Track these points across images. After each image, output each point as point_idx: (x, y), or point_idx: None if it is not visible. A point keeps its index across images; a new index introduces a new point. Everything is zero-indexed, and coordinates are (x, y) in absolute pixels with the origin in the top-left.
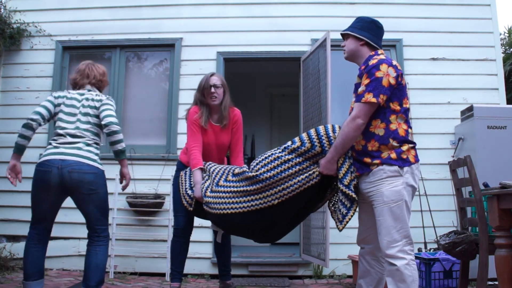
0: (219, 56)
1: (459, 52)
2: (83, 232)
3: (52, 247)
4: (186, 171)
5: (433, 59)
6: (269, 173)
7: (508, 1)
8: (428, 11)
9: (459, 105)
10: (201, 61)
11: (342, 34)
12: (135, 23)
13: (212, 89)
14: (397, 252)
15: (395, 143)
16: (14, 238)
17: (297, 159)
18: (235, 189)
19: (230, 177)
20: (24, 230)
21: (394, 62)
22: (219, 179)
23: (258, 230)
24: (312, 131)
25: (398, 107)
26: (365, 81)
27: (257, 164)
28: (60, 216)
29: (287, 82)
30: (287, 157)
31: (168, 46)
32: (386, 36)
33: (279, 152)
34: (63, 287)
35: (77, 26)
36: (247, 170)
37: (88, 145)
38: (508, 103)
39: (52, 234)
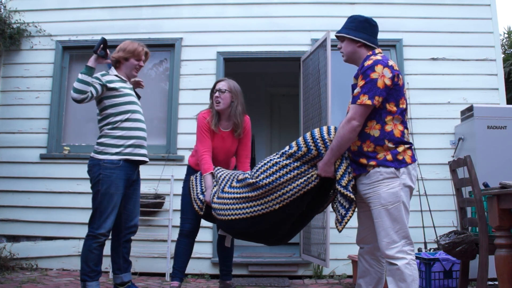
0: (219, 56)
1: (459, 52)
2: (83, 232)
3: (52, 247)
4: (196, 176)
5: (433, 59)
6: (268, 179)
7: (508, 1)
8: (428, 11)
9: (459, 105)
10: (201, 61)
11: (337, 36)
12: (135, 23)
13: (217, 93)
14: (396, 253)
15: (390, 144)
16: (14, 238)
17: (295, 164)
18: (238, 195)
19: (234, 183)
20: (24, 230)
21: (391, 63)
22: (225, 185)
23: (262, 234)
24: (308, 135)
25: (394, 108)
26: (361, 82)
27: (257, 170)
28: (60, 216)
29: (287, 82)
30: (285, 162)
31: (168, 46)
32: (386, 36)
33: (277, 158)
34: (63, 287)
35: (77, 26)
36: (249, 176)
37: (98, 137)
38: (508, 103)
39: (52, 234)
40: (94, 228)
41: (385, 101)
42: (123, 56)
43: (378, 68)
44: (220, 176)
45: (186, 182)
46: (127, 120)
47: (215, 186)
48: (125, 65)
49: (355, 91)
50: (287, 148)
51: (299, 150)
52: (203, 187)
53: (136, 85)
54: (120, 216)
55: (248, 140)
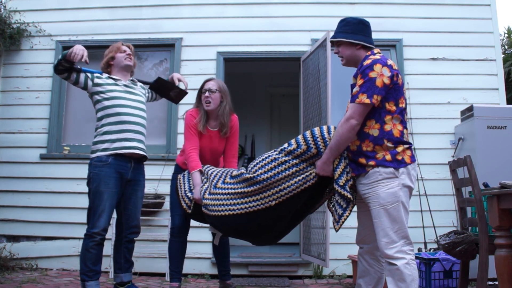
0: (219, 56)
1: (459, 52)
2: (83, 232)
3: (52, 247)
4: (184, 174)
5: (433, 59)
6: (266, 175)
7: (508, 1)
8: (428, 11)
9: (459, 105)
10: (201, 61)
11: (332, 41)
12: (135, 23)
13: (207, 93)
14: (395, 253)
15: (389, 144)
16: (14, 238)
17: (294, 161)
18: (233, 191)
19: (228, 179)
20: (24, 230)
21: (389, 62)
22: (217, 182)
23: (256, 232)
24: (308, 133)
25: (394, 107)
26: (359, 81)
27: (254, 166)
28: (60, 216)
29: (287, 82)
30: (284, 158)
31: (168, 46)
32: (386, 36)
33: (276, 154)
34: (63, 287)
35: (77, 26)
36: (245, 172)
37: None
38: (508, 103)
39: (52, 234)
40: (89, 227)
41: (385, 100)
42: (110, 57)
43: (377, 67)
44: (211, 173)
45: (174, 180)
46: (110, 115)
47: (205, 183)
48: (115, 64)
49: (354, 90)
50: (286, 145)
51: (298, 147)
52: (191, 185)
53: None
54: (122, 216)
55: (236, 140)
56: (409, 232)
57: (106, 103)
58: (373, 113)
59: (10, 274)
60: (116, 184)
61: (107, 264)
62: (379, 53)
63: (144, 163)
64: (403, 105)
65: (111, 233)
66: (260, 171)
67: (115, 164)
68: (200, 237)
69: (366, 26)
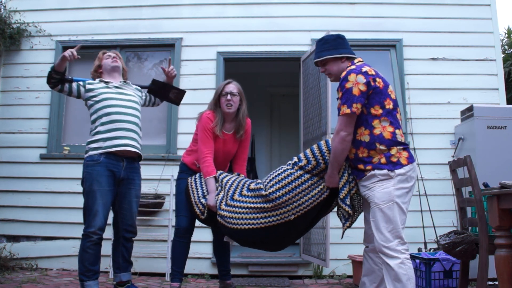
0: (219, 56)
1: (459, 52)
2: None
3: (52, 247)
4: (195, 178)
5: (433, 59)
6: (282, 190)
7: (508, 1)
8: (428, 11)
9: (459, 105)
10: (201, 61)
11: (317, 62)
12: (135, 23)
13: (228, 97)
14: (389, 252)
15: (382, 147)
16: (14, 238)
17: (307, 175)
18: (252, 205)
19: (245, 192)
20: (24, 230)
21: (365, 69)
22: (233, 193)
23: (271, 242)
24: (315, 148)
25: (380, 111)
26: (339, 94)
27: (270, 181)
28: (60, 216)
29: (287, 82)
30: (298, 172)
31: (168, 46)
32: (386, 36)
33: (290, 169)
34: (63, 287)
35: (77, 26)
36: (262, 187)
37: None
38: (508, 103)
39: (52, 234)
40: (85, 227)
41: (369, 105)
42: (97, 65)
43: (351, 77)
44: (227, 182)
45: (181, 180)
46: (101, 116)
47: (220, 191)
48: (104, 69)
49: (337, 103)
50: (296, 159)
51: (308, 163)
52: (204, 191)
53: (169, 79)
54: (117, 215)
55: (248, 143)
56: (403, 233)
57: (97, 105)
58: (361, 120)
59: (10, 274)
60: (109, 182)
61: (107, 264)
62: (360, 61)
63: (144, 163)
64: (390, 106)
65: (110, 232)
66: (277, 186)
67: (107, 162)
68: (200, 237)
69: (343, 40)
